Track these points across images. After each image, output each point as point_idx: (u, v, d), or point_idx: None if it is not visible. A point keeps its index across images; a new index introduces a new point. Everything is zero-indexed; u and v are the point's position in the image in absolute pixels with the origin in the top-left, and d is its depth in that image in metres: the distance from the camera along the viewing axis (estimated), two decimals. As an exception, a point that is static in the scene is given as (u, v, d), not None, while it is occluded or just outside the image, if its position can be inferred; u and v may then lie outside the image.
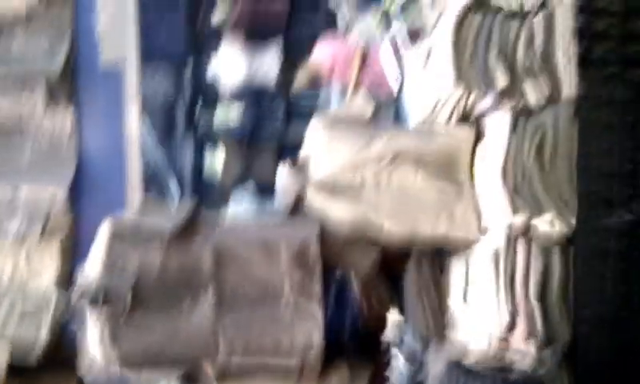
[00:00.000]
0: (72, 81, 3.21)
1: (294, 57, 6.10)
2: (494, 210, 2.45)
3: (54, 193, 3.16)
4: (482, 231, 2.53)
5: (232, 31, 6.33)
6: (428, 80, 2.72)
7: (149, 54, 6.08)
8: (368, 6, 5.50)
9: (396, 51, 4.77)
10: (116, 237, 2.56)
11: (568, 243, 2.42)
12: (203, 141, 5.83)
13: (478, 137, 2.60)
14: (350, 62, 4.92)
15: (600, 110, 2.48)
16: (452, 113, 2.60)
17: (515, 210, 2.38)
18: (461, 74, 2.51)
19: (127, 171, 3.28)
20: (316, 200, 2.67)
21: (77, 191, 3.28)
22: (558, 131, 2.45)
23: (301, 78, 5.33)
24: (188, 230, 2.59)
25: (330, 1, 6.16)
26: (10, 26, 3.14)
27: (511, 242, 2.39)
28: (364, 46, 4.88)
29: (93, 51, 3.20)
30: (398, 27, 4.71)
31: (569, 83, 2.50)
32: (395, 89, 4.55)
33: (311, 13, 6.34)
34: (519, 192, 2.40)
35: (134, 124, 3.20)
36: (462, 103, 2.56)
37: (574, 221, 2.41)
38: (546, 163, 2.44)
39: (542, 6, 2.55)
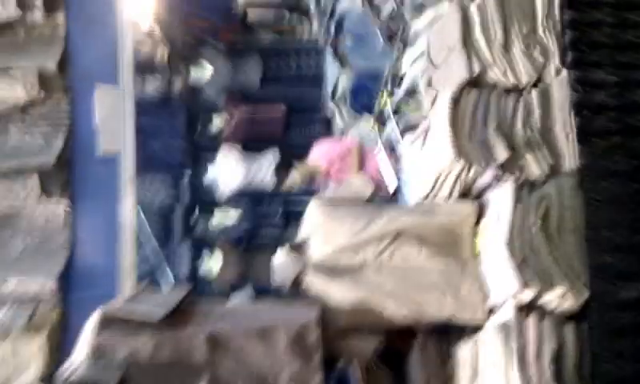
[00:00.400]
0: (67, 172, 3.18)
1: (290, 161, 6.15)
2: (502, 284, 2.34)
3: (42, 285, 3.05)
4: (490, 310, 2.41)
5: (229, 139, 6.43)
6: (427, 158, 2.68)
7: (147, 162, 6.14)
8: (362, 111, 5.61)
9: (391, 150, 4.80)
10: (105, 325, 2.42)
11: (582, 318, 2.29)
12: (200, 245, 5.78)
13: (480, 212, 2.53)
14: (346, 160, 4.94)
15: (604, 181, 2.43)
16: (453, 188, 2.55)
17: (524, 283, 2.26)
18: (460, 149, 2.47)
19: (121, 263, 3.18)
20: (315, 282, 2.56)
21: (68, 283, 3.17)
22: (563, 203, 2.39)
23: (294, 178, 5.34)
24: (181, 316, 2.46)
25: (325, 107, 6.29)
26: (7, 116, 3.17)
27: (521, 317, 2.25)
28: (360, 144, 4.92)
29: (89, 142, 3.20)
30: (393, 126, 4.75)
31: (570, 155, 2.46)
32: (392, 186, 4.53)
33: (307, 119, 6.47)
34: (527, 264, 2.30)
35: (129, 212, 3.14)
36: (463, 178, 2.51)
37: (586, 294, 2.30)
38: (553, 235, 2.36)
39: (538, 81, 2.56)
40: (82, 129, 3.20)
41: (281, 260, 2.68)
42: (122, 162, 3.22)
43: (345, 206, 2.71)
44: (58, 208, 3.12)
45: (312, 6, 6.65)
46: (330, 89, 6.08)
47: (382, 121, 5.05)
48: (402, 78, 4.58)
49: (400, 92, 4.59)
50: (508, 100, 2.54)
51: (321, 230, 2.63)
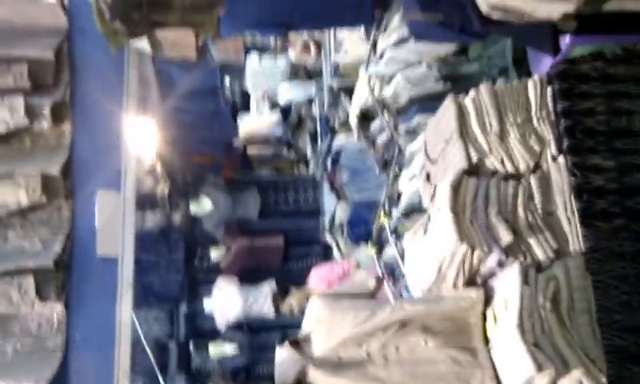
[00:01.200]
0: (64, 275, 3.12)
1: (288, 291, 6.08)
2: (515, 370, 2.22)
3: (31, 391, 2.88)
4: (505, 402, 2.27)
5: (227, 271, 6.38)
6: (429, 248, 2.65)
7: (144, 296, 6.05)
8: (359, 241, 5.62)
9: (391, 274, 4.76)
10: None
11: (602, 405, 2.16)
12: (197, 376, 5.57)
13: (487, 299, 2.45)
14: (344, 281, 4.88)
15: (611, 263, 2.40)
16: (457, 276, 2.49)
17: (539, 367, 2.15)
18: (462, 234, 2.45)
19: (116, 371, 3.03)
20: (319, 379, 2.43)
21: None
22: (571, 284, 2.33)
23: (291, 304, 5.25)
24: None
25: (323, 237, 6.31)
26: (6, 221, 3.15)
27: (540, 404, 2.12)
28: (357, 264, 4.89)
29: (88, 246, 3.17)
30: (392, 247, 4.74)
31: (574, 238, 2.45)
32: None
33: (305, 250, 6.47)
34: (541, 347, 2.19)
35: (127, 318, 3.04)
36: (467, 264, 2.46)
37: (603, 379, 2.19)
38: (564, 317, 2.27)
39: (536, 167, 2.59)
40: (80, 232, 3.19)
41: (282, 357, 2.56)
42: (120, 266, 3.18)
43: (347, 299, 2.63)
44: (52, 312, 3.03)
45: (309, 144, 6.88)
46: (327, 220, 6.14)
47: (379, 244, 5.05)
48: (398, 198, 4.64)
49: (397, 212, 4.63)
50: (507, 186, 2.55)
51: (323, 324, 2.53)
